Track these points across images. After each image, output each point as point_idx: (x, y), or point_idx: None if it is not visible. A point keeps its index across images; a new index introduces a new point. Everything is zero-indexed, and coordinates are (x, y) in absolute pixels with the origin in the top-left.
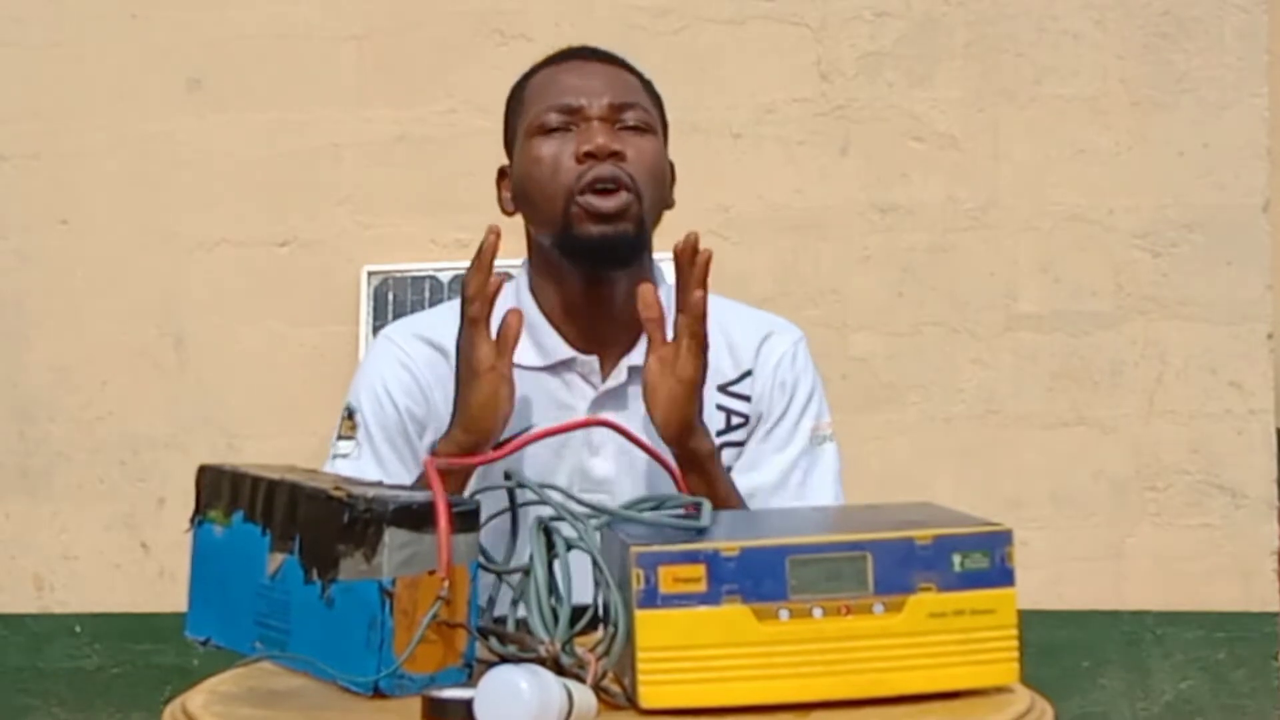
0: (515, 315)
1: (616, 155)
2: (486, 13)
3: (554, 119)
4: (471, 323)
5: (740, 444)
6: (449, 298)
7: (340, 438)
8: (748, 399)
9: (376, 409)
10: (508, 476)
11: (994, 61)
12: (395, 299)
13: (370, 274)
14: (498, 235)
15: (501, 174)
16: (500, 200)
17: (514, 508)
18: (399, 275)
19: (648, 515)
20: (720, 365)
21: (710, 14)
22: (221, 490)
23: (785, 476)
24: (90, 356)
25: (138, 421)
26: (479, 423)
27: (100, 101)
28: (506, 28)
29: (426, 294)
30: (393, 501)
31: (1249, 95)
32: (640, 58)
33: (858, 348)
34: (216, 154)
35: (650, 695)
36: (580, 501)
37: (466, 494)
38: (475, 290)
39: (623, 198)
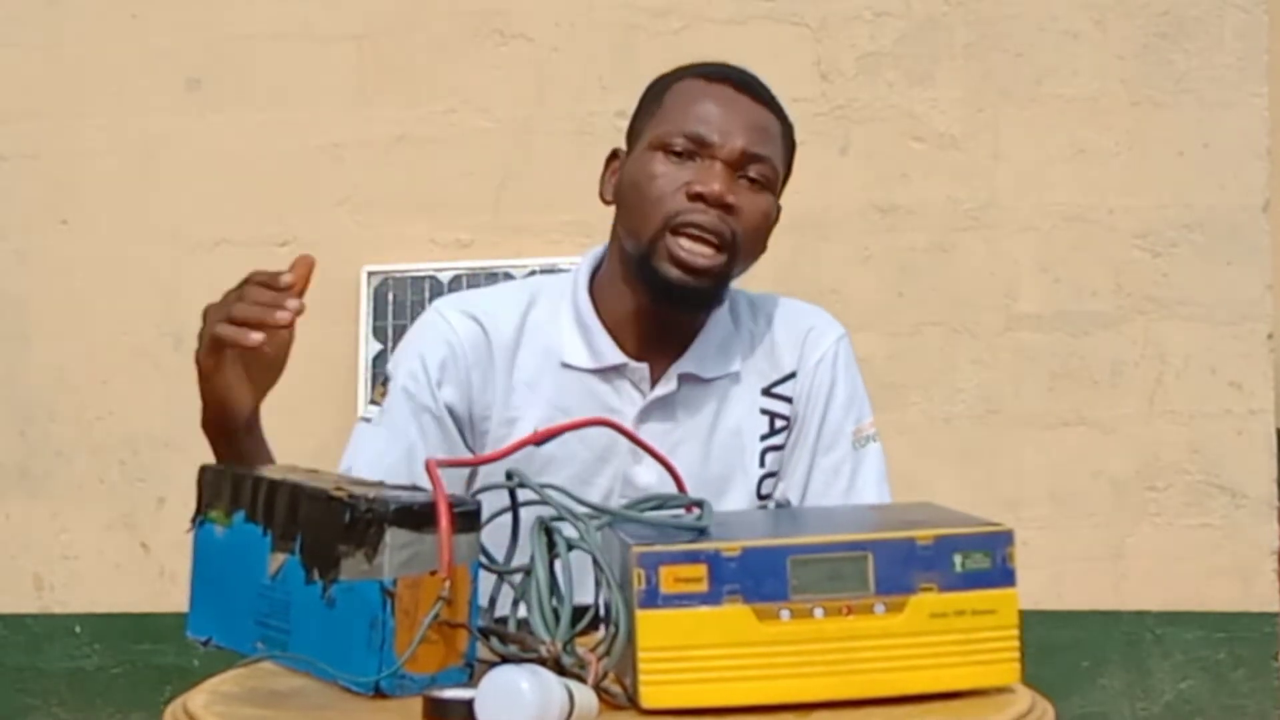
0: (304, 262)
1: (727, 208)
2: (486, 13)
3: (681, 144)
4: (223, 346)
5: (782, 447)
6: None
7: (371, 402)
8: (789, 400)
9: (410, 381)
10: (509, 476)
11: (994, 61)
12: (395, 299)
13: (370, 274)
14: (310, 267)
15: (614, 156)
16: (602, 183)
17: (515, 507)
18: (399, 275)
19: (649, 515)
20: (761, 367)
21: (710, 14)
22: (222, 490)
23: (829, 483)
24: (90, 356)
25: (138, 421)
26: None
27: (100, 101)
28: (506, 28)
29: (426, 294)
30: (394, 502)
31: (1249, 95)
32: (640, 58)
33: (858, 348)
34: (216, 154)
35: (651, 695)
36: (581, 501)
37: (467, 494)
38: (257, 319)
39: (714, 257)
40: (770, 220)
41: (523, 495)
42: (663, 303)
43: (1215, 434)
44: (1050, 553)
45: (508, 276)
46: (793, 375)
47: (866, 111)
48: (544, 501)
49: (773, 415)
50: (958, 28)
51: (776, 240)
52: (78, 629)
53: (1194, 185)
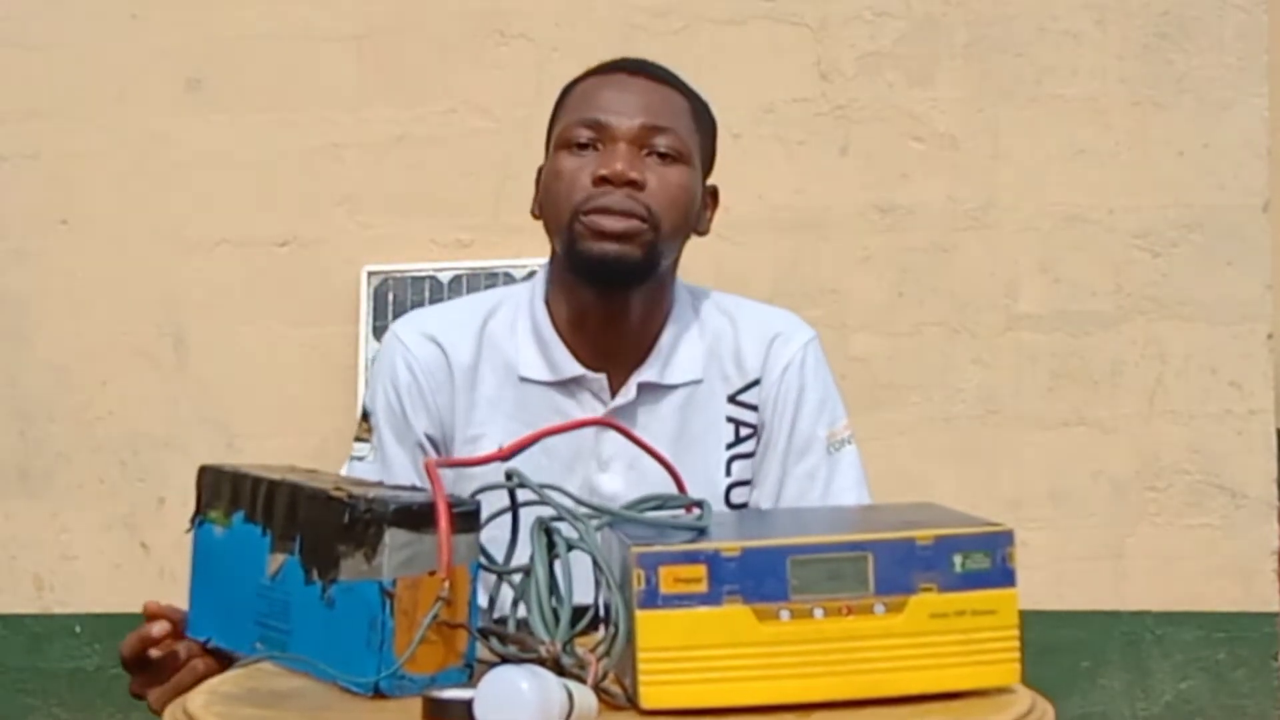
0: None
1: (633, 184)
2: (486, 13)
3: (582, 134)
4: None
5: (750, 455)
6: (449, 298)
7: (357, 439)
8: (755, 408)
9: (387, 412)
10: (509, 477)
11: (994, 61)
12: (395, 299)
13: (370, 274)
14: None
15: (538, 175)
16: (533, 201)
17: (515, 507)
18: (399, 275)
19: (649, 515)
20: (727, 373)
21: (710, 14)
22: (222, 490)
23: (804, 490)
24: (90, 356)
25: (138, 421)
26: None
27: (100, 101)
28: (506, 28)
29: (426, 294)
30: (393, 502)
31: (1249, 95)
32: (640, 57)
33: (858, 348)
34: (216, 154)
35: (651, 696)
36: (581, 502)
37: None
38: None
39: (631, 222)
40: (689, 192)
41: (522, 495)
42: (597, 284)
43: (1215, 434)
44: (1050, 553)
45: (508, 276)
46: (757, 382)
47: (866, 111)
48: (543, 502)
49: (738, 423)
50: (958, 28)
51: (777, 240)
52: (78, 629)
53: (1194, 185)
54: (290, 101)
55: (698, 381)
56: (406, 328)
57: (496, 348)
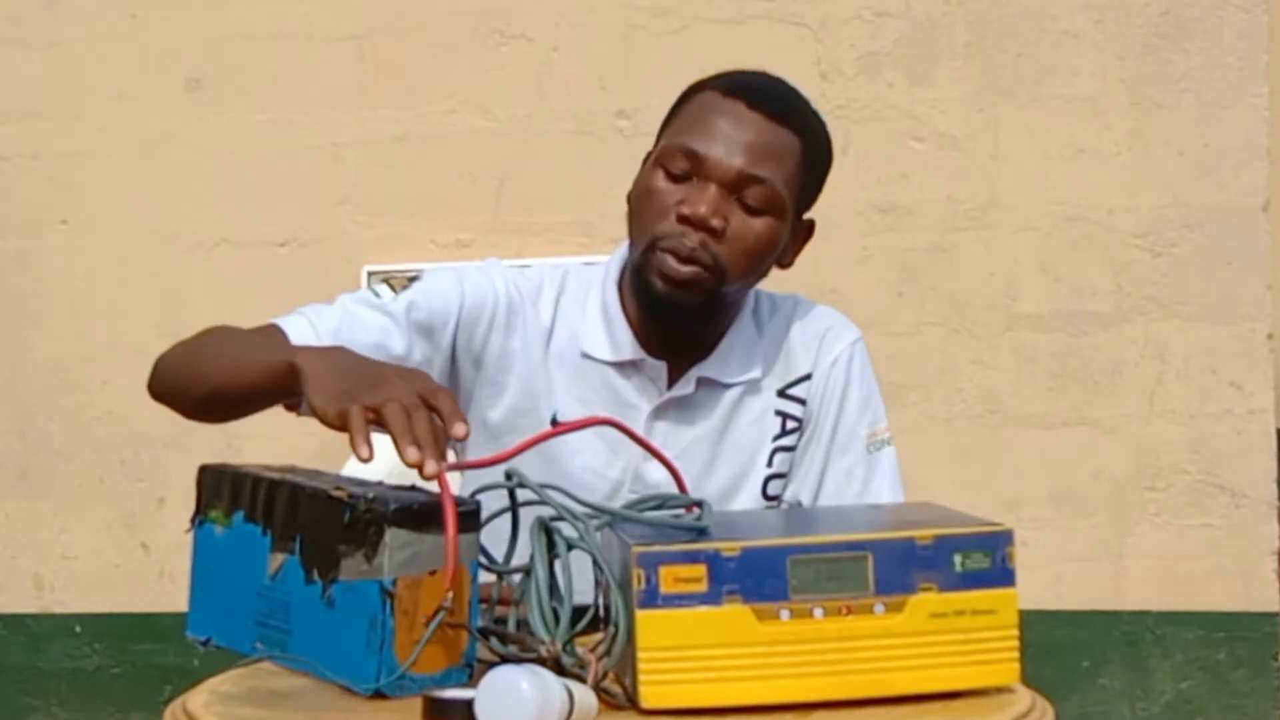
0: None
1: (712, 232)
2: (486, 13)
3: (679, 165)
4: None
5: (793, 448)
6: None
7: (386, 283)
8: (803, 402)
9: (436, 298)
10: (509, 477)
11: (994, 61)
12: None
13: (370, 274)
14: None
15: (645, 159)
16: (633, 187)
17: (515, 507)
18: (399, 275)
19: (649, 515)
20: (778, 369)
21: (710, 14)
22: (222, 490)
23: (842, 487)
24: (90, 356)
25: (138, 421)
26: None
27: (100, 101)
28: (506, 28)
29: None
30: (394, 501)
31: (1249, 95)
32: (640, 58)
33: None
34: (216, 154)
35: (651, 695)
36: (581, 501)
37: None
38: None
39: (695, 270)
40: (769, 244)
41: (521, 495)
42: (654, 313)
43: (1215, 434)
44: (1050, 553)
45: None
46: (808, 377)
47: (866, 111)
48: (543, 501)
49: (785, 416)
50: (958, 28)
51: None
52: (78, 629)
53: (1194, 185)
54: (290, 101)
55: (754, 380)
56: (503, 271)
57: (565, 321)
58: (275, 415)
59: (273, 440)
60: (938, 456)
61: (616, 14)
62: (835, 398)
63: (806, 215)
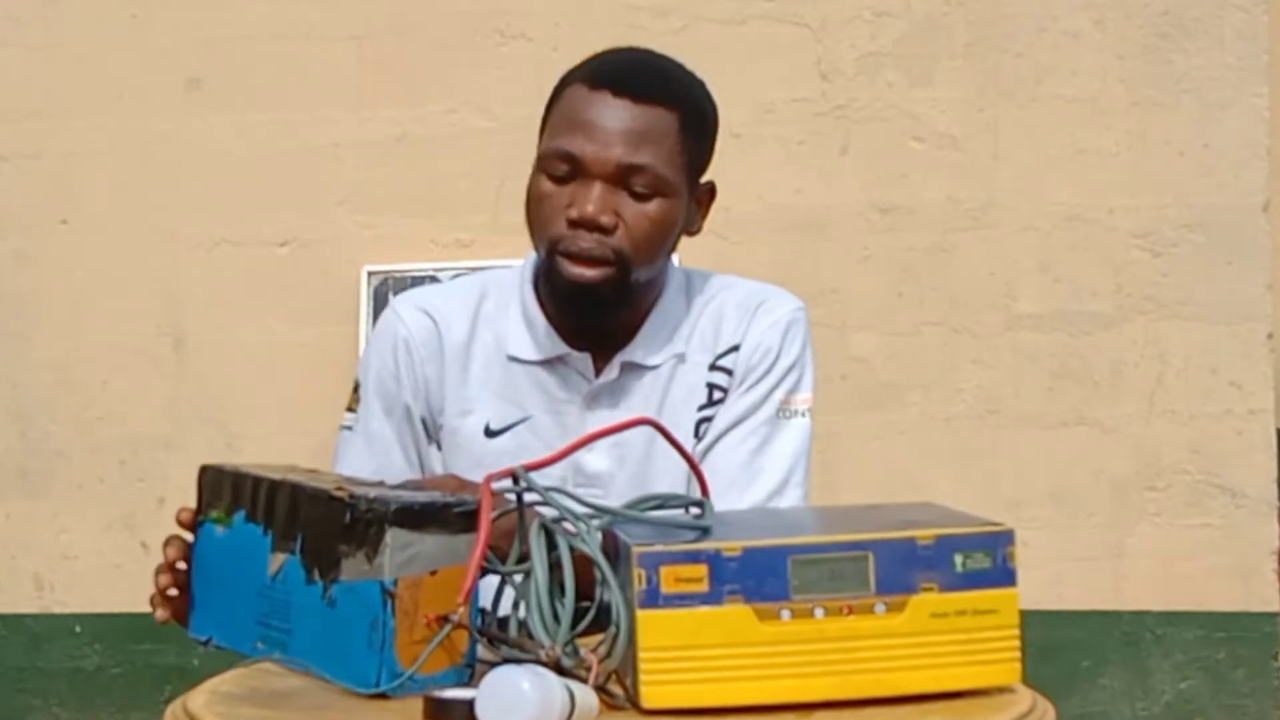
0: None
1: (603, 230)
2: (486, 13)
3: (559, 168)
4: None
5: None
6: None
7: (348, 409)
8: (730, 373)
9: (377, 384)
10: (515, 478)
11: (994, 61)
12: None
13: (370, 274)
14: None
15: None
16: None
17: (520, 508)
18: (399, 275)
19: (650, 515)
20: (708, 343)
21: (710, 14)
22: (223, 490)
23: (737, 444)
24: (90, 356)
25: (137, 421)
26: None
27: (100, 101)
28: (506, 28)
29: None
30: (394, 502)
31: (1249, 95)
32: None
33: (858, 348)
34: (216, 154)
35: (652, 695)
36: (582, 501)
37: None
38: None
39: (601, 270)
40: (665, 224)
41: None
42: (569, 310)
43: (1215, 434)
44: (1050, 553)
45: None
46: (736, 348)
47: (866, 111)
48: (546, 502)
49: (713, 387)
50: (958, 28)
51: (777, 240)
52: (78, 629)
53: (1194, 185)
54: (290, 101)
55: (680, 354)
56: (404, 302)
57: (490, 327)
58: (275, 416)
59: (273, 440)
60: (938, 456)
61: (616, 14)
62: (760, 364)
63: (704, 179)
